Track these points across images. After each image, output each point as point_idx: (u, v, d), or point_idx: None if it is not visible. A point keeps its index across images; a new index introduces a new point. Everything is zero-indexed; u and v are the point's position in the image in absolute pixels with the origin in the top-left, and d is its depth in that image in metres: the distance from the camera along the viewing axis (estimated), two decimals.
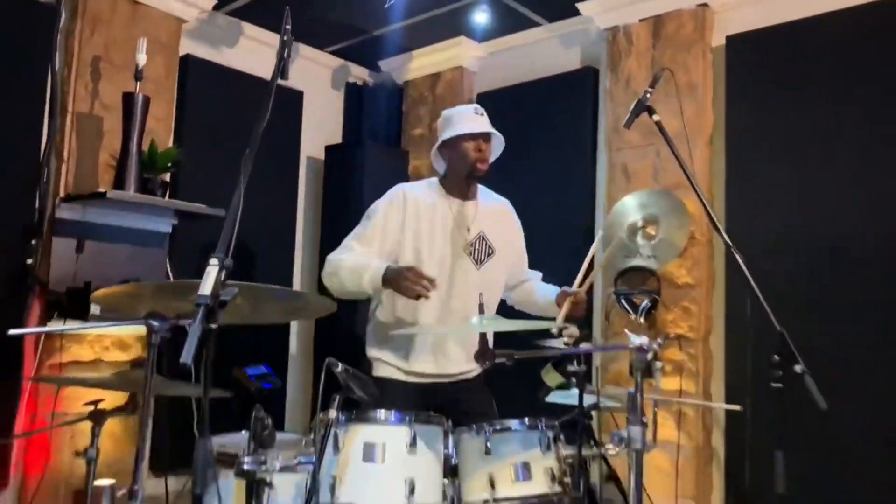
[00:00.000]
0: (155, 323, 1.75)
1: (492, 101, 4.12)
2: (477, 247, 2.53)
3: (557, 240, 3.70)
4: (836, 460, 2.77)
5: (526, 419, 2.02)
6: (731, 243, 2.09)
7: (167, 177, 3.46)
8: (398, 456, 1.87)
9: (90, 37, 3.31)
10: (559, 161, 3.79)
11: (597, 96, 3.76)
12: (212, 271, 1.48)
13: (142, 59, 3.16)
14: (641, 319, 3.20)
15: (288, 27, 1.87)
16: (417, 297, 2.24)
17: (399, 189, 2.60)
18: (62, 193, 3.19)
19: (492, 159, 2.57)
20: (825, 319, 2.86)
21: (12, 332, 1.96)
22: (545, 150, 3.84)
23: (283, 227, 4.16)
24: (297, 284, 4.21)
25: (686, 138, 3.10)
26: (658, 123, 2.23)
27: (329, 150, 4.26)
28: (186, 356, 1.36)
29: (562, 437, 2.06)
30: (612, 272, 3.38)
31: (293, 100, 4.19)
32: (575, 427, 2.11)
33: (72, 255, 3.09)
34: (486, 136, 2.50)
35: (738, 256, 2.06)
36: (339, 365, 1.79)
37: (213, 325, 1.46)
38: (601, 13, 3.60)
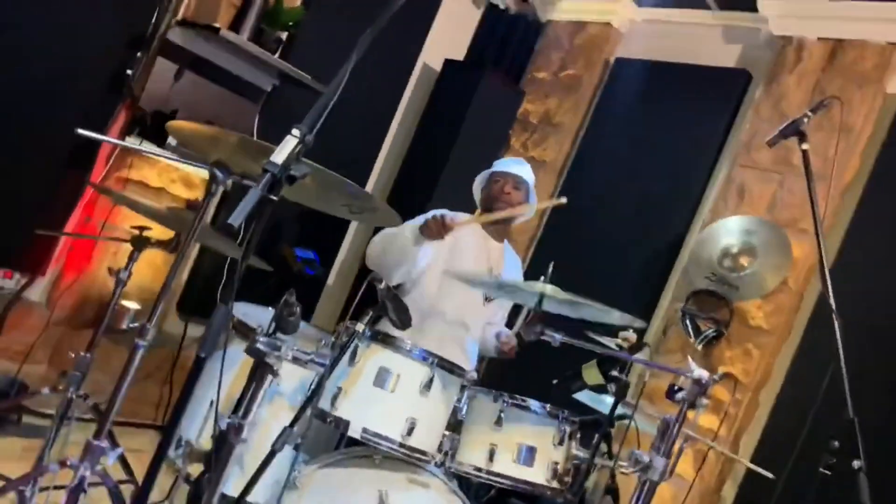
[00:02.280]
0: (219, 173, 1.67)
1: (629, 70, 3.90)
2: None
3: (643, 231, 3.50)
4: None
5: (548, 405, 1.90)
6: (834, 307, 1.87)
7: (283, 35, 3.36)
8: (409, 392, 1.78)
9: None
10: (677, 156, 3.53)
11: (740, 103, 3.45)
12: (290, 141, 1.38)
13: None
14: (699, 346, 3.00)
15: None
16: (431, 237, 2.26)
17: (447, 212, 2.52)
18: (179, 16, 3.13)
19: (520, 220, 2.70)
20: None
21: (81, 131, 1.90)
22: (666, 140, 3.59)
23: (376, 126, 4.02)
24: (371, 185, 4.12)
25: (828, 179, 2.83)
26: (805, 153, 1.99)
27: (447, 63, 4.08)
28: (236, 217, 1.27)
29: (578, 435, 1.94)
30: (688, 287, 3.18)
31: (429, 2, 4.00)
32: (592, 429, 1.98)
33: (169, 80, 3.04)
34: (518, 180, 2.56)
35: (836, 323, 1.85)
36: (384, 282, 1.68)
37: (274, 196, 1.36)
38: (779, 17, 3.26)
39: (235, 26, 3.04)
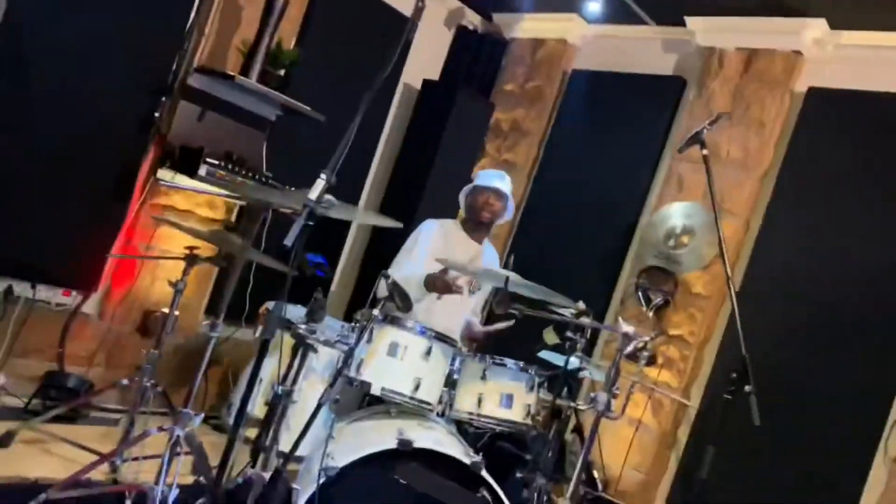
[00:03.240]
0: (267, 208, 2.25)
1: (584, 80, 4.49)
2: (474, 281, 3.09)
3: (603, 219, 4.10)
4: (760, 460, 3.21)
5: (521, 362, 2.49)
6: (729, 274, 2.46)
7: (282, 72, 3.92)
8: (414, 358, 2.36)
9: None
10: (627, 153, 4.12)
11: (678, 105, 4.04)
12: (320, 184, 1.94)
13: None
14: (650, 313, 3.60)
15: (422, 4, 2.26)
16: (450, 291, 2.84)
17: (436, 222, 3.16)
18: (196, 64, 3.67)
19: (500, 221, 3.22)
20: (802, 341, 3.26)
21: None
22: (618, 140, 4.18)
23: (365, 144, 4.57)
24: (363, 201, 4.68)
25: (748, 168, 3.43)
26: (705, 157, 2.57)
27: (425, 83, 4.65)
28: (289, 240, 1.84)
29: (545, 385, 2.53)
30: (640, 265, 3.77)
31: (403, 23, 4.54)
32: (564, 382, 2.58)
33: (193, 119, 3.60)
34: (498, 192, 3.09)
35: (730, 284, 2.44)
36: (391, 277, 2.26)
37: (311, 223, 1.93)
38: (704, 31, 3.85)
39: (245, 70, 3.59)
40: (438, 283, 2.79)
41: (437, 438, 2.32)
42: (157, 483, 2.22)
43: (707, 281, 3.59)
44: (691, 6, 3.81)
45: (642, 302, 3.64)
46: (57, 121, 3.30)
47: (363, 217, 2.54)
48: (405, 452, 2.06)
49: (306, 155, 3.79)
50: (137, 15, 3.43)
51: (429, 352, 2.37)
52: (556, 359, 2.83)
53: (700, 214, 3.64)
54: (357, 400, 2.63)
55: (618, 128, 4.22)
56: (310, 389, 2.43)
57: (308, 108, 3.79)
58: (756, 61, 3.69)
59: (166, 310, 3.75)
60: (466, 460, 2.10)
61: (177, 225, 2.90)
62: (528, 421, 2.45)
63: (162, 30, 3.57)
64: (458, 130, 4.45)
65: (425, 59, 4.79)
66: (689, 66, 4.04)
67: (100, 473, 2.65)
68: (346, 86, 4.18)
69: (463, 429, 2.72)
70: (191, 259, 2.80)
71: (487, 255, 3.26)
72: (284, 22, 3.82)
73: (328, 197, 1.98)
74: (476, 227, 3.16)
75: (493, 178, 3.14)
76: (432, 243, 3.03)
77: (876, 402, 3.07)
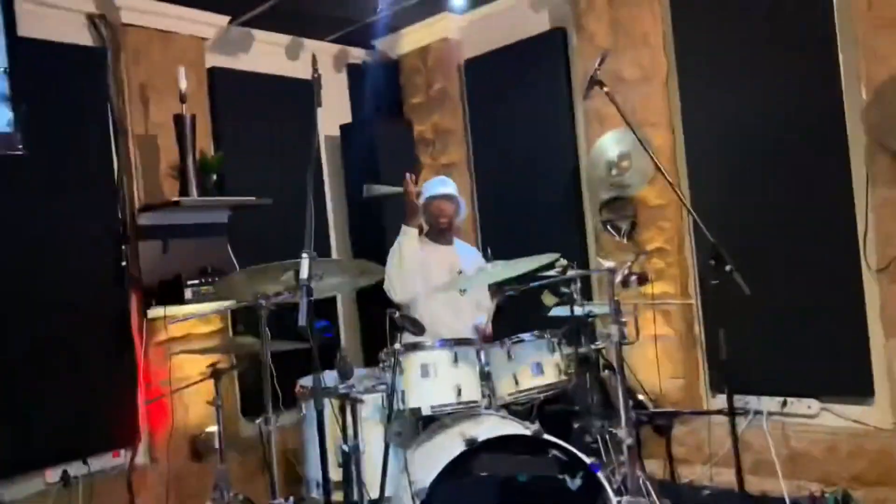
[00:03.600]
0: (262, 301, 2.47)
1: (477, 67, 4.76)
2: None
3: (549, 179, 4.38)
4: (767, 330, 3.52)
5: (535, 332, 2.74)
6: (670, 180, 2.75)
7: (214, 176, 4.12)
8: (446, 370, 2.60)
9: (135, 67, 3.92)
10: (543, 114, 4.39)
11: (567, 53, 4.33)
12: (304, 262, 2.17)
13: (183, 83, 3.78)
14: (625, 240, 3.88)
15: (317, 74, 2.50)
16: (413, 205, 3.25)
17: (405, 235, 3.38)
18: (138, 204, 3.86)
19: (459, 219, 3.56)
20: (758, 203, 3.59)
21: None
22: (530, 105, 4.45)
23: (315, 204, 4.79)
24: (334, 250, 4.91)
25: (650, 80, 3.74)
26: (608, 94, 2.85)
27: (342, 128, 4.88)
28: (302, 320, 2.06)
29: (564, 340, 2.78)
30: (597, 202, 4.05)
31: (308, 90, 4.78)
32: (576, 332, 2.84)
33: (157, 253, 3.79)
34: (446, 197, 3.39)
35: (676, 191, 2.73)
36: (397, 312, 2.50)
37: (311, 297, 2.16)
38: None
39: (184, 191, 3.79)
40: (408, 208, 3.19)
41: (494, 426, 2.56)
42: None
43: (659, 191, 3.87)
44: None
45: (613, 233, 3.92)
46: (43, 306, 3.49)
47: (352, 275, 2.75)
48: (474, 450, 2.29)
49: (267, 240, 4.03)
50: (71, 181, 3.63)
51: (455, 359, 2.61)
52: (567, 312, 3.08)
53: (628, 137, 3.91)
54: (413, 429, 2.85)
55: (526, 95, 4.49)
56: (369, 435, 2.65)
57: (252, 199, 4.01)
58: None
59: (208, 429, 3.96)
60: (527, 432, 2.34)
61: (190, 351, 3.11)
62: (563, 377, 2.70)
63: (96, 186, 3.77)
64: (390, 156, 4.69)
65: (332, 108, 5.02)
66: (563, 15, 4.32)
67: None
68: (273, 163, 4.44)
69: (513, 410, 2.95)
70: (216, 374, 3.01)
71: (462, 253, 3.50)
72: (199, 132, 4.03)
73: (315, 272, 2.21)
74: (439, 234, 3.42)
75: (436, 186, 3.41)
76: (414, 249, 3.29)
77: (840, 227, 3.38)
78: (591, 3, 4.08)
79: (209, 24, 4.23)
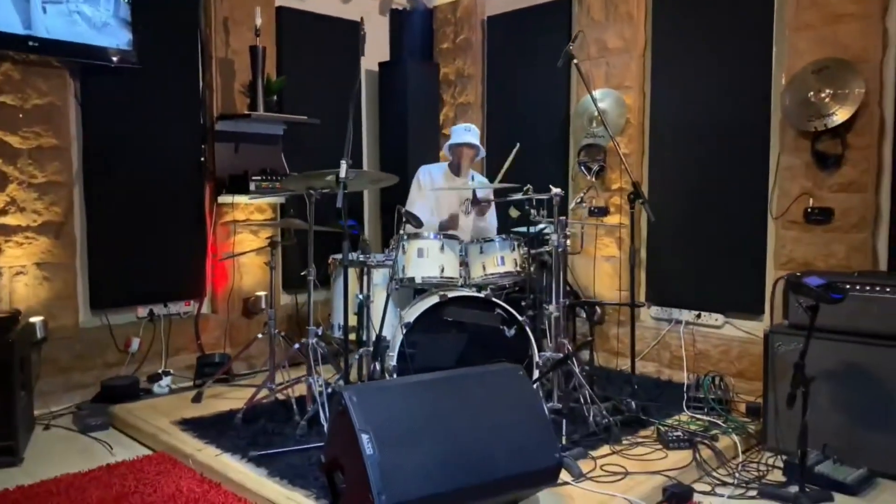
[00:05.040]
0: (312, 192, 3.56)
1: (497, 23, 5.70)
2: (467, 205, 4.35)
3: (546, 125, 5.36)
4: (693, 258, 4.55)
5: (503, 235, 3.82)
6: (617, 145, 3.74)
7: (274, 97, 5.17)
8: (435, 254, 3.69)
9: (220, 3, 4.93)
10: (545, 69, 5.31)
11: (571, 21, 5.23)
12: (343, 165, 3.23)
13: (258, 20, 4.79)
14: (593, 179, 4.89)
15: (363, 32, 3.50)
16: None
17: (427, 168, 4.45)
18: (216, 113, 4.94)
19: (478, 158, 4.50)
20: (699, 159, 4.57)
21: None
22: (536, 61, 5.39)
23: (354, 122, 5.84)
24: (365, 162, 5.96)
25: (630, 51, 4.67)
26: (577, 66, 3.82)
27: (381, 65, 5.87)
28: (339, 202, 3.13)
29: (523, 244, 3.84)
30: (577, 146, 5.05)
31: (353, 28, 5.76)
32: (533, 240, 3.89)
33: (230, 153, 4.89)
34: (469, 145, 4.32)
35: (618, 150, 3.72)
36: (403, 209, 3.58)
37: (346, 190, 3.24)
38: None
39: (253, 106, 4.86)
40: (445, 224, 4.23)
41: (463, 291, 3.66)
42: (308, 375, 3.59)
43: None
44: None
45: (586, 172, 4.92)
46: (143, 184, 4.64)
47: (373, 181, 3.81)
48: (444, 302, 3.41)
49: (313, 152, 5.10)
50: (167, 91, 4.71)
51: (442, 248, 3.70)
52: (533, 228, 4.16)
53: (607, 97, 4.87)
54: (410, 297, 3.96)
55: (533, 52, 5.42)
56: (377, 296, 3.78)
57: (304, 118, 5.07)
58: None
59: (258, 293, 5.13)
60: (482, 295, 3.45)
61: (253, 225, 4.23)
62: (519, 269, 3.78)
63: (187, 100, 4.85)
64: (417, 93, 5.70)
65: (374, 46, 5.99)
66: None
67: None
68: (324, 89, 5.46)
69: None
70: (273, 244, 4.14)
71: (475, 180, 4.52)
72: (267, 60, 5.06)
73: (349, 173, 3.29)
74: (458, 169, 4.44)
75: (461, 134, 4.35)
76: (429, 181, 4.33)
77: (758, 184, 4.35)
78: None
79: None
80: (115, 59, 4.37)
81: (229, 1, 4.97)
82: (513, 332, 3.41)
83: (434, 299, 3.47)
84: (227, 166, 4.96)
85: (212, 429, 3.63)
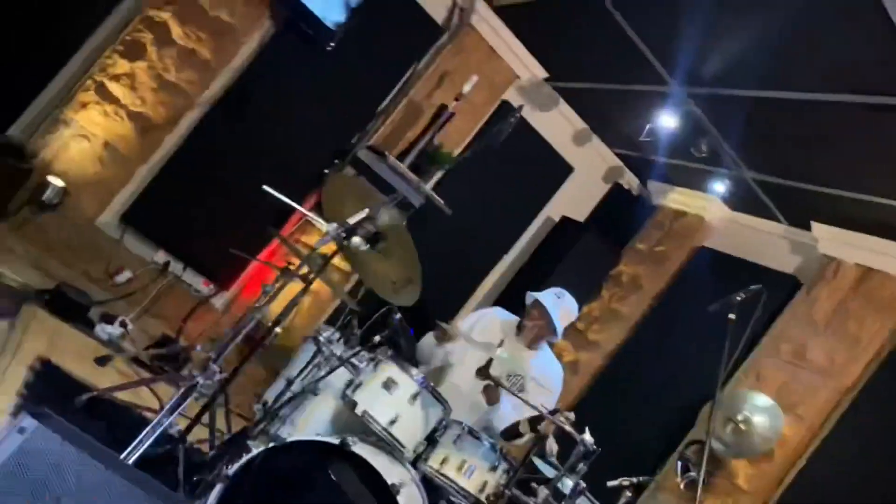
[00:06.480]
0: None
1: (708, 257, 4.64)
2: (513, 381, 3.21)
3: (675, 389, 4.11)
4: None
5: (493, 442, 2.67)
6: None
7: (440, 172, 4.59)
8: (402, 397, 2.61)
9: (450, 56, 4.53)
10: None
11: (786, 303, 4.03)
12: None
13: (467, 89, 4.29)
14: (681, 484, 3.50)
15: (514, 117, 2.74)
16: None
17: (502, 312, 3.48)
18: (371, 142, 4.45)
19: (553, 339, 3.34)
20: None
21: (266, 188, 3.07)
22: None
23: (490, 254, 5.10)
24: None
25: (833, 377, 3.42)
26: (729, 319, 2.68)
27: (563, 219, 5.07)
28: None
29: (512, 472, 2.64)
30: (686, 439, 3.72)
31: (563, 169, 5.11)
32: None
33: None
34: (541, 309, 3.25)
35: None
36: (398, 314, 2.64)
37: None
38: (827, 239, 3.88)
39: (402, 156, 4.30)
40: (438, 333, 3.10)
41: (377, 456, 2.52)
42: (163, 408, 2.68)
43: (751, 473, 3.45)
44: (822, 213, 3.88)
45: (678, 471, 3.57)
46: (261, 148, 4.22)
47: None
48: (342, 449, 2.34)
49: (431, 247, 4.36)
50: (343, 94, 4.33)
51: (415, 396, 2.65)
52: (543, 468, 2.93)
53: (766, 411, 3.54)
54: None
55: (728, 307, 4.25)
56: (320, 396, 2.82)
57: (444, 205, 4.38)
58: (869, 280, 3.64)
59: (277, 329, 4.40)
60: (395, 481, 2.30)
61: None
62: (483, 499, 2.58)
63: (356, 111, 4.45)
64: (576, 266, 4.77)
65: (575, 201, 5.24)
66: (805, 270, 4.04)
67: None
68: (489, 201, 4.80)
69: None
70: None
71: (539, 360, 3.35)
72: (455, 132, 4.53)
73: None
74: (526, 334, 3.38)
75: (547, 294, 3.35)
76: (475, 323, 3.34)
77: None
78: (835, 276, 3.77)
79: (530, 67, 4.69)
80: (316, 29, 4.07)
81: (460, 58, 4.54)
82: None
83: (332, 440, 2.41)
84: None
85: (54, 389, 2.87)
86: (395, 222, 2.95)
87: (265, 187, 2.95)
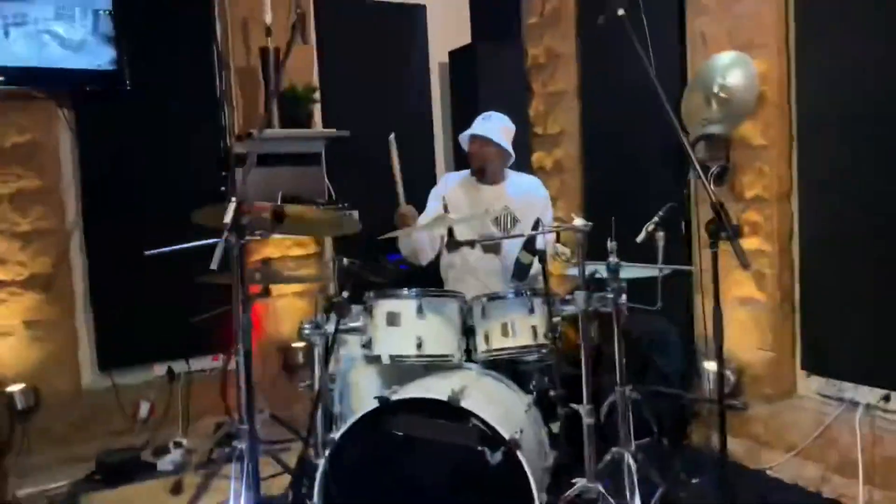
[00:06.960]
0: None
1: None
2: (502, 219, 3.05)
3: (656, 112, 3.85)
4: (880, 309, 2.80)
5: (516, 286, 2.51)
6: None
7: (314, 107, 4.28)
8: (410, 321, 2.47)
9: (237, 4, 4.13)
10: (656, 40, 3.79)
11: None
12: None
13: (268, 17, 3.91)
14: (712, 185, 3.30)
15: None
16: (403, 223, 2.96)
17: (451, 175, 3.35)
18: (236, 132, 4.14)
19: (507, 162, 3.15)
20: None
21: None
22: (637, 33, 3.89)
23: (421, 126, 4.79)
24: (439, 171, 4.86)
25: None
26: (621, 18, 2.40)
27: (451, 54, 4.72)
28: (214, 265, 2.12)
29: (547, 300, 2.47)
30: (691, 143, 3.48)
31: (418, 15, 4.73)
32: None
33: (258, 179, 3.99)
34: (480, 139, 3.02)
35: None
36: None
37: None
38: None
39: (268, 123, 3.98)
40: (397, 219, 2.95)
41: (425, 386, 2.40)
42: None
43: (761, 128, 3.23)
44: None
45: (703, 177, 3.34)
46: (157, 221, 3.92)
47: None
48: (389, 407, 2.20)
49: (363, 171, 4.10)
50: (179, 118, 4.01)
51: (420, 310, 2.49)
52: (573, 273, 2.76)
53: (732, 65, 3.26)
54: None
55: (638, 17, 3.92)
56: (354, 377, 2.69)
57: (333, 131, 4.10)
58: None
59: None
60: (443, 398, 2.16)
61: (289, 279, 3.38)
62: (541, 341, 2.44)
63: (201, 119, 4.12)
64: (492, 83, 4.46)
65: (449, 32, 4.86)
66: None
67: None
68: (379, 93, 4.48)
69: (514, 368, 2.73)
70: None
71: (512, 191, 3.18)
72: (299, 63, 4.15)
73: None
74: (481, 175, 3.17)
75: (474, 124, 3.13)
76: (443, 195, 3.15)
77: None
78: None
79: None
80: (96, 82, 3.72)
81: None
82: (498, 457, 2.10)
83: (372, 404, 2.27)
84: (254, 194, 4.14)
85: None
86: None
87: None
